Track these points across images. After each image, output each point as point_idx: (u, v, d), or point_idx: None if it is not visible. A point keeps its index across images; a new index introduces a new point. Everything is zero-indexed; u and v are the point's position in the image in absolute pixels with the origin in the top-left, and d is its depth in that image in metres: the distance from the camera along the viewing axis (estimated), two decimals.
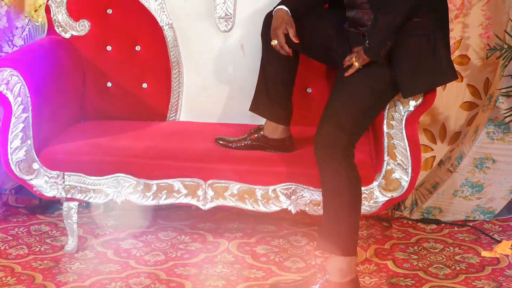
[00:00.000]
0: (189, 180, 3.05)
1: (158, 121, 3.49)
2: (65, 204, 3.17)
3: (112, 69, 3.48)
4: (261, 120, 3.15)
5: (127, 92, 3.49)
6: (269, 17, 3.01)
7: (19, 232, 3.44)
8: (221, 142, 3.14)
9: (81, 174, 3.09)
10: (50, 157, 3.09)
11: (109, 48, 3.48)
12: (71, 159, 3.09)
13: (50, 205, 3.66)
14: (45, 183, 3.10)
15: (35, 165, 3.09)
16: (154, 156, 3.07)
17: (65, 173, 3.09)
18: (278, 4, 2.99)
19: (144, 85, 3.50)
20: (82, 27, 3.46)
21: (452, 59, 2.92)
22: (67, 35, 3.45)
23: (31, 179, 3.11)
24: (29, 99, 3.03)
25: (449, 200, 3.58)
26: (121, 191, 3.08)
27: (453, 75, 2.87)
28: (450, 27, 3.00)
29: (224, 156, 3.07)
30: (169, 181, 3.06)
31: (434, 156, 3.77)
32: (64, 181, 3.10)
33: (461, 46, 3.64)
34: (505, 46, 3.36)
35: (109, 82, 3.50)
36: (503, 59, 3.39)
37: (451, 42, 3.51)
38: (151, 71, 3.49)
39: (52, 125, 3.22)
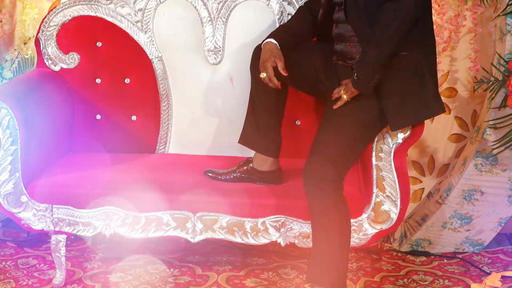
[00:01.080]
0: (178, 212, 3.04)
1: (147, 153, 3.49)
2: (53, 237, 3.15)
3: (101, 101, 3.49)
4: (250, 153, 3.16)
5: (116, 125, 3.49)
6: (258, 50, 3.03)
7: (6, 266, 3.41)
8: (210, 174, 3.14)
9: (69, 207, 3.07)
10: (39, 190, 3.08)
11: (98, 80, 3.49)
12: (59, 192, 3.08)
13: (38, 238, 3.63)
14: (33, 216, 3.09)
15: (24, 198, 3.08)
16: (143, 189, 3.06)
17: (54, 206, 3.08)
18: (267, 37, 3.01)
19: (133, 118, 3.50)
20: (71, 60, 3.47)
21: (439, 92, 2.94)
22: (57, 68, 3.47)
23: (19, 212, 3.09)
24: (18, 131, 3.02)
25: (438, 232, 3.58)
26: (109, 224, 3.07)
27: (441, 108, 2.89)
28: (437, 60, 3.03)
29: (213, 188, 3.06)
30: (158, 213, 3.05)
31: (423, 188, 3.78)
32: (52, 214, 3.08)
33: (448, 79, 3.67)
34: (492, 79, 3.39)
35: (98, 115, 3.50)
36: (490, 92, 3.42)
37: (439, 75, 3.54)
38: (140, 103, 3.50)
39: (41, 158, 3.21)
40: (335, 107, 2.83)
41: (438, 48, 3.54)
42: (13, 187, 3.06)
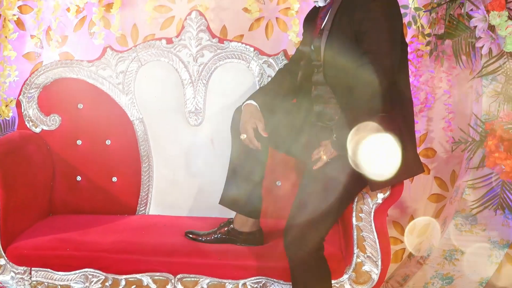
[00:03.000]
0: (158, 274, 3.01)
1: (128, 215, 3.47)
2: None
3: (82, 163, 3.49)
4: (231, 213, 3.15)
5: (96, 186, 3.48)
6: (238, 112, 3.06)
7: None
8: (190, 235, 3.12)
9: (48, 270, 3.04)
10: (17, 253, 3.05)
11: (79, 142, 3.50)
12: (38, 254, 3.04)
13: None
14: (11, 279, 3.05)
15: (2, 261, 3.04)
16: (123, 251, 3.03)
17: (32, 268, 3.04)
18: (247, 99, 3.04)
19: (114, 179, 3.50)
20: (52, 122, 3.48)
21: (418, 152, 2.97)
22: (38, 130, 3.47)
23: None
24: None
25: None
26: (89, 287, 3.03)
27: (420, 168, 2.91)
28: (415, 120, 3.07)
29: (193, 250, 3.05)
30: (138, 276, 3.02)
31: (404, 249, 3.78)
32: (31, 277, 3.04)
33: (426, 139, 3.71)
34: (470, 139, 3.43)
35: (78, 176, 3.49)
36: (468, 152, 3.46)
37: (417, 135, 3.58)
38: (121, 165, 3.50)
39: (20, 220, 3.19)
40: (315, 168, 2.85)
41: (416, 109, 3.60)
42: None
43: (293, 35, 3.66)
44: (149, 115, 3.49)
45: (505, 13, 3.29)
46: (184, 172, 3.48)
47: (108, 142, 3.50)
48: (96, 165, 3.49)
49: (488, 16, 3.30)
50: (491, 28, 3.34)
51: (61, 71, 3.48)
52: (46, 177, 3.43)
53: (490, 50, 3.36)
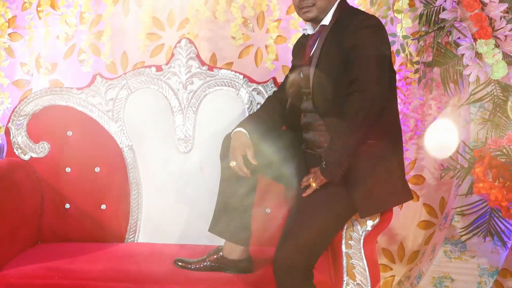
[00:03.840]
0: None
1: (117, 242, 3.45)
2: None
3: (71, 190, 3.47)
4: (220, 241, 3.14)
5: (85, 214, 3.47)
6: (227, 139, 3.07)
7: None
8: (180, 263, 3.11)
9: None
10: (4, 281, 3.02)
11: (68, 169, 3.49)
12: (26, 283, 3.01)
13: None
14: None
15: None
16: (112, 279, 3.01)
17: None
18: (237, 127, 3.05)
19: (103, 207, 3.48)
20: (41, 149, 3.47)
21: (407, 179, 2.98)
22: (26, 157, 3.46)
23: None
24: None
25: None
26: None
27: (408, 195, 2.92)
28: (405, 148, 3.08)
29: (183, 278, 3.03)
30: None
31: (394, 276, 3.78)
32: None
33: (416, 166, 3.72)
34: (458, 166, 3.44)
35: (67, 204, 3.48)
36: (456, 179, 3.47)
37: (407, 162, 3.60)
38: (110, 192, 3.49)
39: (8, 248, 3.16)
40: (304, 195, 2.85)
41: (405, 136, 3.61)
42: None
43: (269, 63, 3.70)
44: (138, 142, 3.49)
45: (492, 41, 3.32)
46: (174, 199, 3.47)
47: (97, 169, 3.49)
48: (85, 192, 3.48)
49: (475, 44, 3.34)
50: (478, 56, 3.37)
51: (51, 99, 3.48)
52: (34, 204, 3.42)
53: (478, 78, 3.39)
